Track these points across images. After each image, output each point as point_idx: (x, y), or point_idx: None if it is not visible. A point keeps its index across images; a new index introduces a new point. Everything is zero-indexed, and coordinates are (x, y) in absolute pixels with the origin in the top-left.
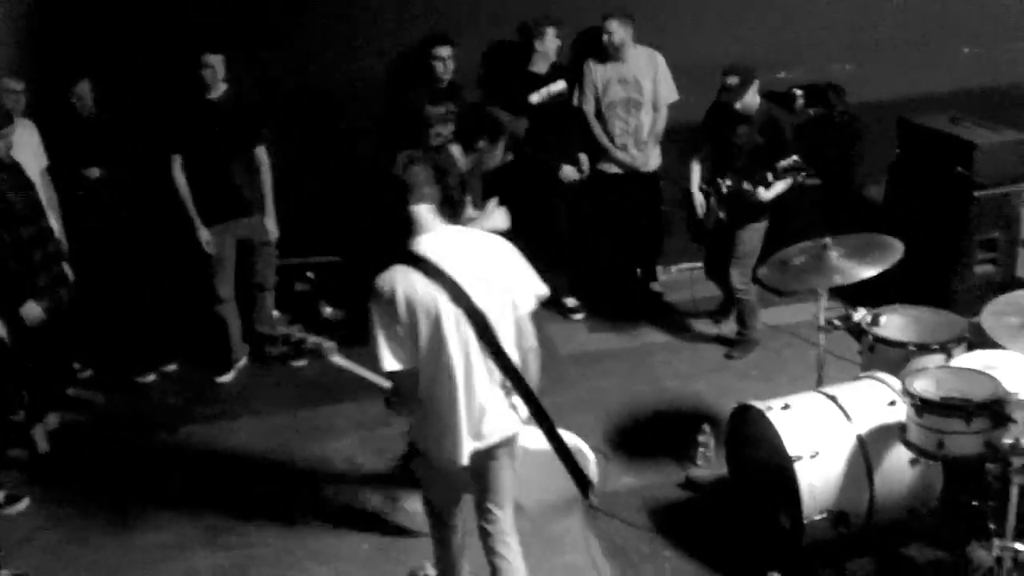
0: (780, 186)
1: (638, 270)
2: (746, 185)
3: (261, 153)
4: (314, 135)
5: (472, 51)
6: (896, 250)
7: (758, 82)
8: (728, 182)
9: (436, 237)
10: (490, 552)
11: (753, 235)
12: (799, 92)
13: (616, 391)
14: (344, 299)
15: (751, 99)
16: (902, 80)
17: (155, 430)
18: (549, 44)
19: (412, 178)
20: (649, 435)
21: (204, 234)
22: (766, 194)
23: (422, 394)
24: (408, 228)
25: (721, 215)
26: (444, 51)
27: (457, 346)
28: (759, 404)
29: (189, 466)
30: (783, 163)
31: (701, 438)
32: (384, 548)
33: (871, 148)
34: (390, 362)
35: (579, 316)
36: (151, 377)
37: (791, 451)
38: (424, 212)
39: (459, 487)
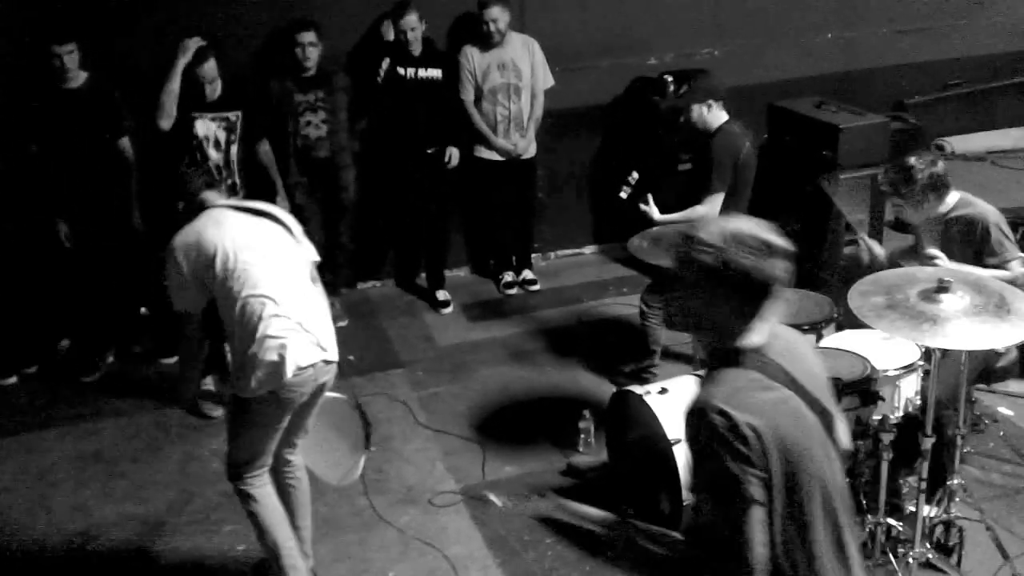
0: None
1: (491, 261)
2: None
3: (125, 144)
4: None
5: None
6: None
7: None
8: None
9: None
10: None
11: None
12: (670, 78)
13: (495, 380)
14: None
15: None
16: (768, 65)
17: (18, 432)
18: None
19: None
20: (530, 423)
21: (63, 227)
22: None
23: None
24: None
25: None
26: (307, 37)
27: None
28: (638, 389)
29: (51, 469)
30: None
31: (582, 424)
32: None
33: None
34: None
35: (447, 310)
36: (12, 379)
37: (669, 434)
38: None
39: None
